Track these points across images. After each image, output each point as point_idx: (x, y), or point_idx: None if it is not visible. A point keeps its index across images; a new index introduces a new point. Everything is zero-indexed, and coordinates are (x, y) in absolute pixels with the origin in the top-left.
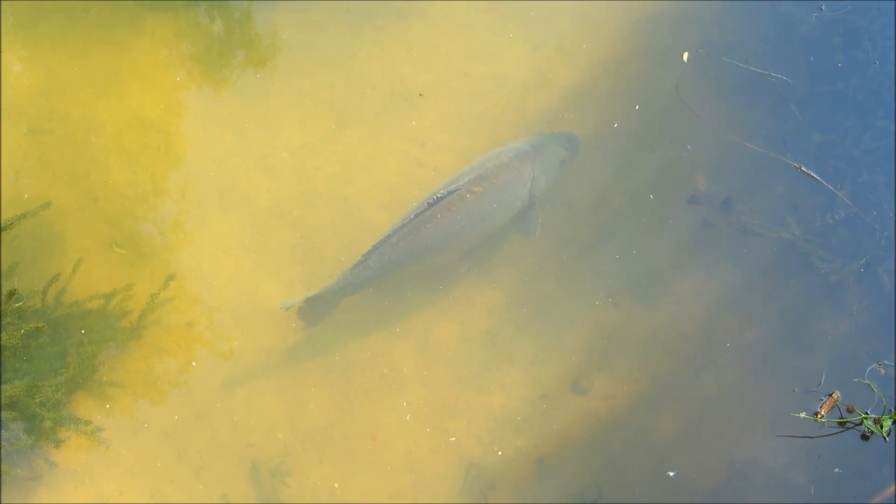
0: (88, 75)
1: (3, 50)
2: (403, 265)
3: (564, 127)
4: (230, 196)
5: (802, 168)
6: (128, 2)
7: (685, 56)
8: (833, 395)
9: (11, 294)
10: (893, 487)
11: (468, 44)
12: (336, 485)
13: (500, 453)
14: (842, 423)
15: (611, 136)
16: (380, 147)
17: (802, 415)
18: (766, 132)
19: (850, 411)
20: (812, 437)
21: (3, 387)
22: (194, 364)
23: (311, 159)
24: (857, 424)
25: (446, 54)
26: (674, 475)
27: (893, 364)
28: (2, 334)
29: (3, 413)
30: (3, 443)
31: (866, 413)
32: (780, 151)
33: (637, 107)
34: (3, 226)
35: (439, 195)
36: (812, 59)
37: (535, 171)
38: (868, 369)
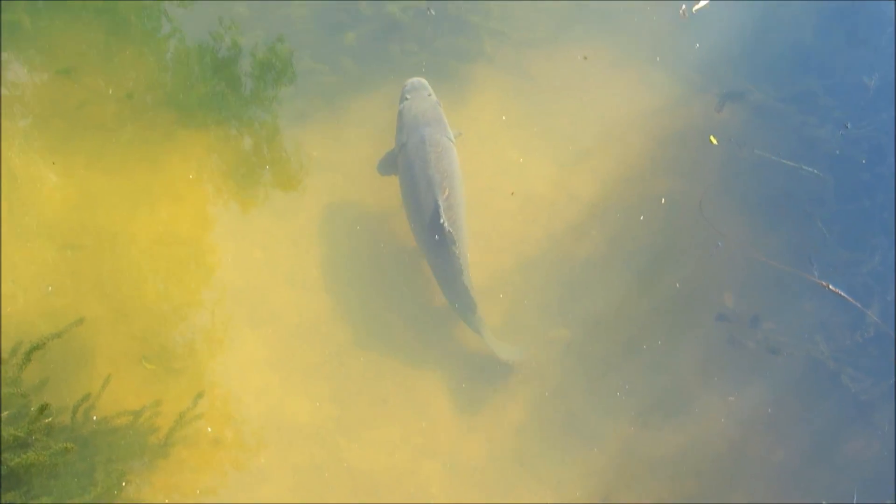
0: (121, 191)
1: (39, 164)
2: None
3: (592, 247)
4: (260, 312)
5: (830, 286)
6: (161, 119)
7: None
8: None
9: (42, 409)
10: None
11: (495, 160)
12: None
13: None
14: None
15: (637, 252)
16: (407, 262)
17: None
18: (794, 249)
19: None
20: None
21: None
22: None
23: (340, 276)
24: None
25: (473, 171)
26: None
27: None
28: (29, 452)
29: None
30: None
31: None
32: (807, 269)
33: (660, 228)
34: (36, 344)
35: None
36: (838, 176)
37: (432, 95)
38: None
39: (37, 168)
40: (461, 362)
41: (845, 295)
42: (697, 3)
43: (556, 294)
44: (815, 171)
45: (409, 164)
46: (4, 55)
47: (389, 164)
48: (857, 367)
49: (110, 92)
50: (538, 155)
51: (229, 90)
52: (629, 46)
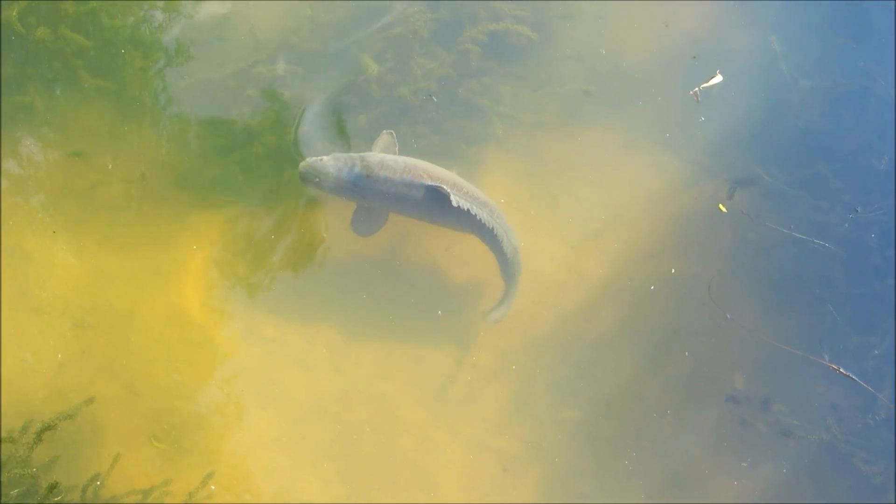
0: (132, 270)
1: (51, 244)
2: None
3: (602, 328)
4: (269, 391)
5: (841, 370)
6: (173, 200)
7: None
8: None
9: (52, 488)
10: None
11: None
12: None
13: None
14: None
15: (646, 334)
16: (419, 345)
17: None
18: (804, 332)
19: None
20: None
21: None
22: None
23: (351, 355)
24: None
25: (483, 253)
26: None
27: None
28: None
29: None
30: None
31: None
32: (818, 352)
33: (670, 310)
34: (47, 425)
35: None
36: (848, 259)
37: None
38: None
39: (48, 248)
40: (471, 443)
41: (856, 378)
42: (708, 81)
43: (567, 374)
44: (826, 245)
45: (394, 199)
46: (17, 135)
47: (365, 222)
48: (869, 450)
49: (120, 172)
50: (547, 235)
51: (241, 172)
52: (638, 129)
